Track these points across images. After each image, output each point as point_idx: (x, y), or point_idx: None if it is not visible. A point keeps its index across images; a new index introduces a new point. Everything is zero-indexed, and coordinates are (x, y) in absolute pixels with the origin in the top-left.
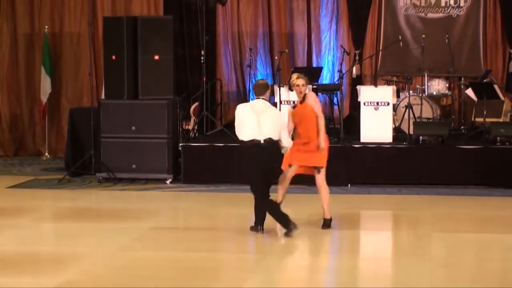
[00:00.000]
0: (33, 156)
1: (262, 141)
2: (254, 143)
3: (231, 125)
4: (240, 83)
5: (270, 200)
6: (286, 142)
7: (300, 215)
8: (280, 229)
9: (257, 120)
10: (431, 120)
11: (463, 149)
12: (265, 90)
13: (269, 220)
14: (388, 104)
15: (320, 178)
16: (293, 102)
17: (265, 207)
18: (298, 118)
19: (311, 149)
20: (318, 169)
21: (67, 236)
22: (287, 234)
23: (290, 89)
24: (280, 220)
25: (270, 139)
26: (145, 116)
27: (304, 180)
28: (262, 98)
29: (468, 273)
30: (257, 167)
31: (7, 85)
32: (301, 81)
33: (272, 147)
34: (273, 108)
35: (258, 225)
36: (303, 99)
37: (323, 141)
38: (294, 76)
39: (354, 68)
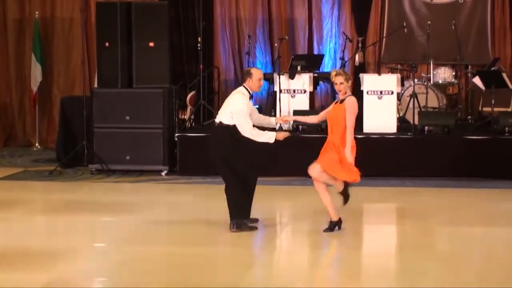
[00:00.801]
0: (23, 147)
1: (216, 123)
2: (213, 124)
3: None
4: (238, 71)
5: (232, 189)
6: (242, 131)
7: (300, 209)
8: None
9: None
10: (436, 110)
11: (470, 140)
12: (245, 77)
13: (265, 214)
14: (392, 93)
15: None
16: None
17: (227, 194)
18: (330, 117)
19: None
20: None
21: (59, 230)
22: (232, 228)
23: (291, 77)
24: (231, 212)
25: (220, 122)
26: (139, 106)
27: (303, 172)
28: (243, 85)
29: (475, 269)
30: (210, 148)
31: None
32: (339, 79)
33: (221, 131)
34: (237, 94)
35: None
36: (344, 98)
37: (350, 154)
38: (333, 72)
39: (356, 56)
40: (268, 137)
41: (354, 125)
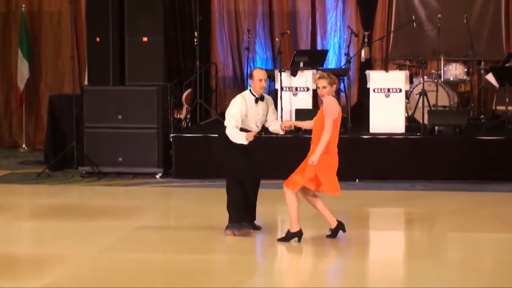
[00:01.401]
0: (9, 148)
1: None
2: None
3: None
4: (237, 68)
5: (231, 192)
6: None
7: (302, 213)
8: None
9: None
10: (447, 109)
11: (483, 140)
12: (249, 79)
13: (266, 218)
14: (400, 90)
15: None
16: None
17: (227, 197)
18: (314, 123)
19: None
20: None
21: (47, 236)
22: (227, 229)
23: (293, 74)
24: (229, 215)
25: (222, 123)
26: (132, 104)
27: None
28: (248, 88)
29: (487, 277)
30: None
31: None
32: (322, 82)
33: (221, 132)
34: (237, 96)
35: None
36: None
37: (316, 157)
38: (317, 75)
39: (362, 51)
40: (242, 139)
41: (332, 129)
